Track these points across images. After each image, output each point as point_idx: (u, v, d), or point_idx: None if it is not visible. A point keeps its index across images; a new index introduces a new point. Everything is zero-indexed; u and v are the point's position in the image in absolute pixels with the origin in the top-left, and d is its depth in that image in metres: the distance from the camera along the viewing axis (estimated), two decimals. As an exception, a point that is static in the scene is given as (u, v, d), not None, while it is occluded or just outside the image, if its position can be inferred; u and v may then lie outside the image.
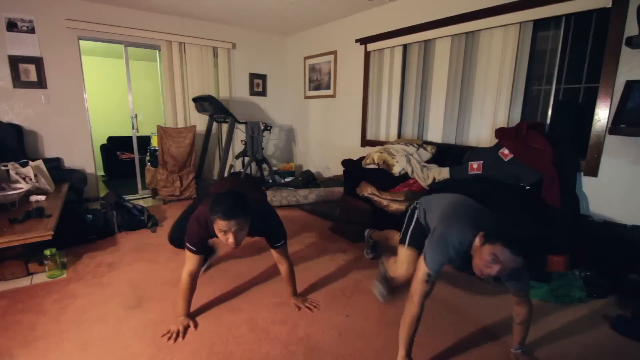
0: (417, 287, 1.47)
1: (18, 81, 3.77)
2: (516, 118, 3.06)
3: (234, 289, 2.24)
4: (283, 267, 2.01)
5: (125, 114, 5.37)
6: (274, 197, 4.17)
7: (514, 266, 1.35)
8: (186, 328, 1.81)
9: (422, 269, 1.46)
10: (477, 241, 1.39)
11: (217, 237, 1.71)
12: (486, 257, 1.33)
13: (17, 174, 2.99)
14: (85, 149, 4.26)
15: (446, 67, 3.52)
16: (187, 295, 1.85)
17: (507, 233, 1.36)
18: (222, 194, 1.64)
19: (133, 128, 4.62)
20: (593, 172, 2.59)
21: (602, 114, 2.51)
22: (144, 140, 5.26)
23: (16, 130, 3.69)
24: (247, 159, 4.73)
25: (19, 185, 2.85)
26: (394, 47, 3.99)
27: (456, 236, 1.45)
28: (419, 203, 1.89)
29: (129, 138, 4.91)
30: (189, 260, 1.82)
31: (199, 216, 1.80)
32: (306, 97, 5.46)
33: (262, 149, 4.70)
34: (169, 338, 1.73)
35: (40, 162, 3.28)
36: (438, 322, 1.93)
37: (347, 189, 3.56)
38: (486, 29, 3.13)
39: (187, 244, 1.79)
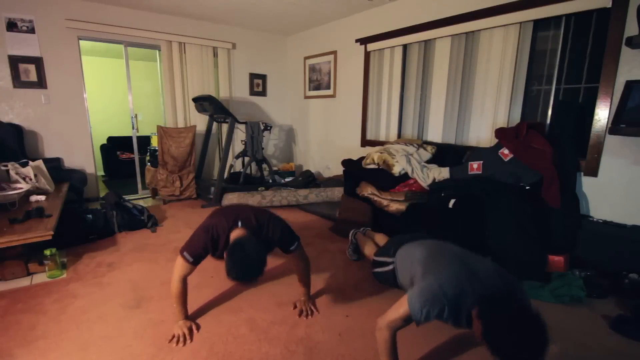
0: (391, 323, 1.39)
1: (18, 81, 3.77)
2: (516, 118, 3.06)
3: (234, 289, 2.23)
4: (299, 267, 1.99)
5: (125, 114, 5.38)
6: (274, 197, 4.17)
7: None
8: (190, 330, 1.79)
9: (404, 311, 1.35)
10: (473, 314, 1.27)
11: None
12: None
13: (17, 174, 2.99)
14: (85, 149, 4.26)
15: (446, 67, 3.52)
16: (183, 300, 1.81)
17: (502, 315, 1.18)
18: (239, 251, 1.52)
19: (133, 128, 4.62)
20: (593, 172, 2.59)
21: (602, 114, 2.51)
22: (144, 140, 5.26)
23: (16, 130, 3.69)
24: (247, 159, 4.73)
25: (19, 185, 2.85)
26: (394, 47, 3.99)
27: (451, 290, 1.32)
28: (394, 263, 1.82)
29: (129, 138, 4.91)
30: (182, 267, 1.73)
31: (210, 228, 1.71)
32: (306, 97, 5.46)
33: (262, 149, 4.69)
34: (177, 342, 1.71)
35: (40, 162, 3.28)
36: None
37: (347, 189, 3.56)
38: (486, 29, 3.13)
39: (186, 253, 1.71)
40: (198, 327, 1.84)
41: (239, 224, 1.72)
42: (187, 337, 1.74)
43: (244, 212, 1.82)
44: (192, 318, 1.91)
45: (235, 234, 1.67)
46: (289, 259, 1.96)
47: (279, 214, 3.50)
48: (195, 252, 1.71)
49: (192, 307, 1.99)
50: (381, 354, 1.45)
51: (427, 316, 1.30)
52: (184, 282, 1.78)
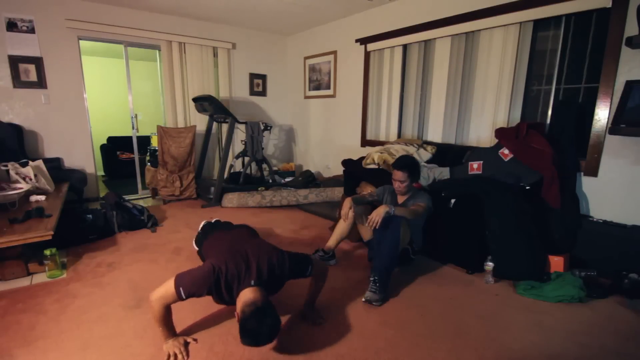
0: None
1: (18, 81, 3.77)
2: (516, 118, 3.06)
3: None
4: (316, 282, 1.90)
5: (125, 114, 5.38)
6: (274, 197, 4.17)
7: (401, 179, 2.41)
8: (186, 346, 1.68)
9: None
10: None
11: (231, 304, 1.62)
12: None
13: (17, 174, 2.99)
14: (85, 149, 4.26)
15: (446, 67, 3.52)
16: (168, 322, 1.66)
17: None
18: (255, 322, 1.44)
19: (133, 128, 4.63)
20: (593, 172, 2.59)
21: (602, 114, 2.51)
22: (144, 140, 5.27)
23: (16, 130, 3.69)
24: (247, 159, 4.73)
25: (19, 185, 2.85)
26: (394, 47, 3.99)
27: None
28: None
29: (129, 138, 4.91)
30: (171, 297, 1.54)
31: (219, 272, 1.56)
32: (306, 97, 5.46)
33: (262, 149, 4.70)
34: None
35: (40, 162, 3.28)
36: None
37: (347, 189, 3.56)
38: (486, 29, 3.13)
39: (181, 289, 1.51)
40: (194, 339, 1.72)
41: (252, 282, 1.58)
42: (184, 353, 1.62)
43: (253, 257, 1.66)
44: (191, 318, 1.90)
45: (247, 295, 1.53)
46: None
47: (278, 214, 3.52)
48: (192, 292, 1.54)
49: (192, 307, 1.99)
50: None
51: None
52: (169, 308, 1.62)
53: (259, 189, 4.49)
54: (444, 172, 3.05)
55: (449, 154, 3.28)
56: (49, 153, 4.03)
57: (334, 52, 4.80)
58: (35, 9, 3.76)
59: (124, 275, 2.44)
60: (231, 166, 4.84)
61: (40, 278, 2.37)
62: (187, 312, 1.93)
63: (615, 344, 1.77)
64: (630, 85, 2.34)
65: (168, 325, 1.67)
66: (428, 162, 3.30)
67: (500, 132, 2.87)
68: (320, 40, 5.03)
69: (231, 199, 4.15)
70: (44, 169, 3.28)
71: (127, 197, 3.93)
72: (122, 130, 6.48)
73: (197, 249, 2.54)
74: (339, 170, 4.29)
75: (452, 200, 2.55)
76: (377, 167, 3.36)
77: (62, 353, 1.64)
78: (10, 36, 3.69)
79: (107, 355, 1.63)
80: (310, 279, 1.90)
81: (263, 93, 5.56)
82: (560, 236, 2.51)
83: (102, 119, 6.34)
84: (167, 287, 1.54)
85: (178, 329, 1.76)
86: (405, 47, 3.93)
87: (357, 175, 3.49)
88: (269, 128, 4.84)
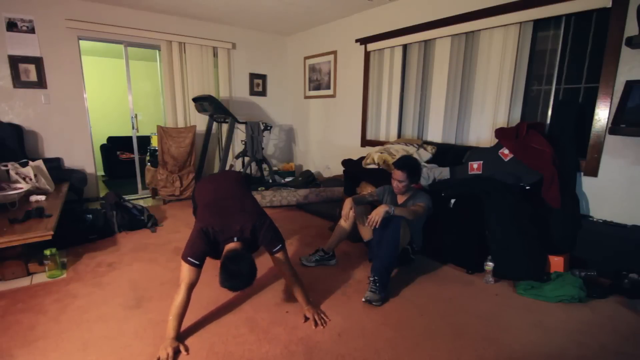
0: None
1: (18, 81, 3.77)
2: (516, 118, 3.06)
3: (234, 289, 2.23)
4: (285, 275, 1.95)
5: (125, 114, 5.38)
6: (274, 197, 4.17)
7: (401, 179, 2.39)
8: (176, 351, 1.64)
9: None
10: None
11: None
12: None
13: (17, 174, 2.99)
14: (85, 149, 4.26)
15: (446, 67, 3.52)
16: (182, 314, 1.72)
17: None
18: (234, 266, 1.68)
19: (133, 128, 4.63)
20: (593, 172, 2.59)
21: (602, 114, 2.51)
22: (144, 140, 5.26)
23: (16, 130, 3.69)
24: (247, 159, 4.73)
25: (19, 185, 2.85)
26: (394, 47, 3.99)
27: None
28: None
29: (129, 138, 4.91)
30: (189, 273, 1.72)
31: (207, 232, 1.79)
32: (306, 97, 5.46)
33: (262, 149, 4.69)
34: None
35: (40, 162, 3.28)
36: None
37: (347, 189, 3.56)
38: (486, 29, 3.13)
39: (190, 258, 1.72)
40: (187, 349, 1.66)
41: (235, 239, 1.82)
42: (170, 359, 1.59)
43: (238, 218, 1.87)
44: (191, 318, 1.90)
45: (230, 246, 1.80)
46: (275, 264, 1.98)
47: (278, 214, 3.53)
48: (198, 255, 1.74)
49: (192, 307, 1.98)
50: None
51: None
52: (190, 293, 1.73)
53: (259, 189, 4.49)
54: (444, 172, 3.05)
55: (449, 154, 3.28)
56: (49, 153, 4.03)
57: (334, 52, 4.80)
58: (35, 9, 3.76)
59: (124, 275, 2.44)
60: (231, 166, 4.84)
61: (40, 278, 2.37)
62: (187, 312, 1.93)
63: (615, 344, 1.77)
64: (630, 85, 2.34)
65: (179, 321, 1.71)
66: (428, 162, 3.30)
67: (500, 132, 2.87)
68: (320, 40, 5.03)
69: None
70: (44, 169, 3.28)
71: (127, 197, 3.93)
72: (122, 130, 6.48)
73: None
74: (339, 170, 4.29)
75: (452, 200, 2.55)
76: (377, 167, 3.36)
77: (62, 353, 1.64)
78: (10, 36, 3.69)
79: (107, 355, 1.63)
80: (281, 271, 1.99)
81: (263, 93, 5.56)
82: (560, 236, 2.51)
83: (102, 119, 6.34)
84: (183, 269, 1.74)
85: (178, 329, 1.76)
86: (405, 47, 3.93)
87: (357, 175, 3.49)
88: (269, 128, 4.83)
